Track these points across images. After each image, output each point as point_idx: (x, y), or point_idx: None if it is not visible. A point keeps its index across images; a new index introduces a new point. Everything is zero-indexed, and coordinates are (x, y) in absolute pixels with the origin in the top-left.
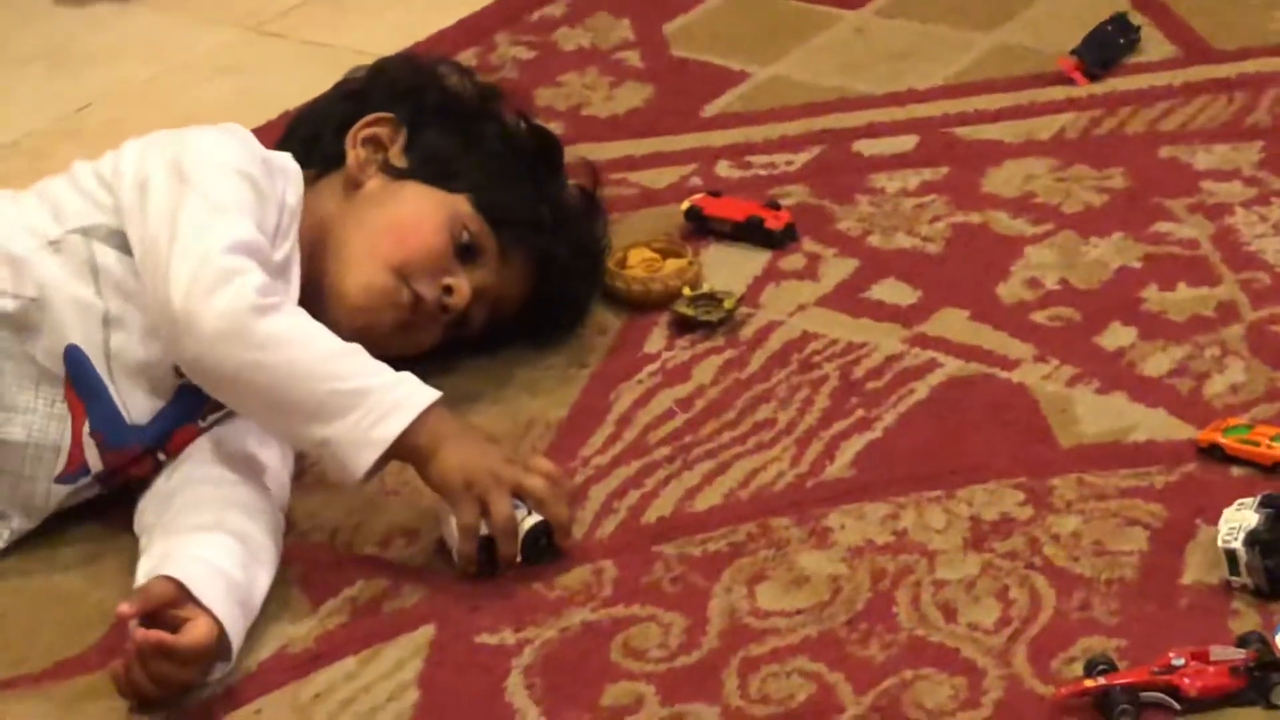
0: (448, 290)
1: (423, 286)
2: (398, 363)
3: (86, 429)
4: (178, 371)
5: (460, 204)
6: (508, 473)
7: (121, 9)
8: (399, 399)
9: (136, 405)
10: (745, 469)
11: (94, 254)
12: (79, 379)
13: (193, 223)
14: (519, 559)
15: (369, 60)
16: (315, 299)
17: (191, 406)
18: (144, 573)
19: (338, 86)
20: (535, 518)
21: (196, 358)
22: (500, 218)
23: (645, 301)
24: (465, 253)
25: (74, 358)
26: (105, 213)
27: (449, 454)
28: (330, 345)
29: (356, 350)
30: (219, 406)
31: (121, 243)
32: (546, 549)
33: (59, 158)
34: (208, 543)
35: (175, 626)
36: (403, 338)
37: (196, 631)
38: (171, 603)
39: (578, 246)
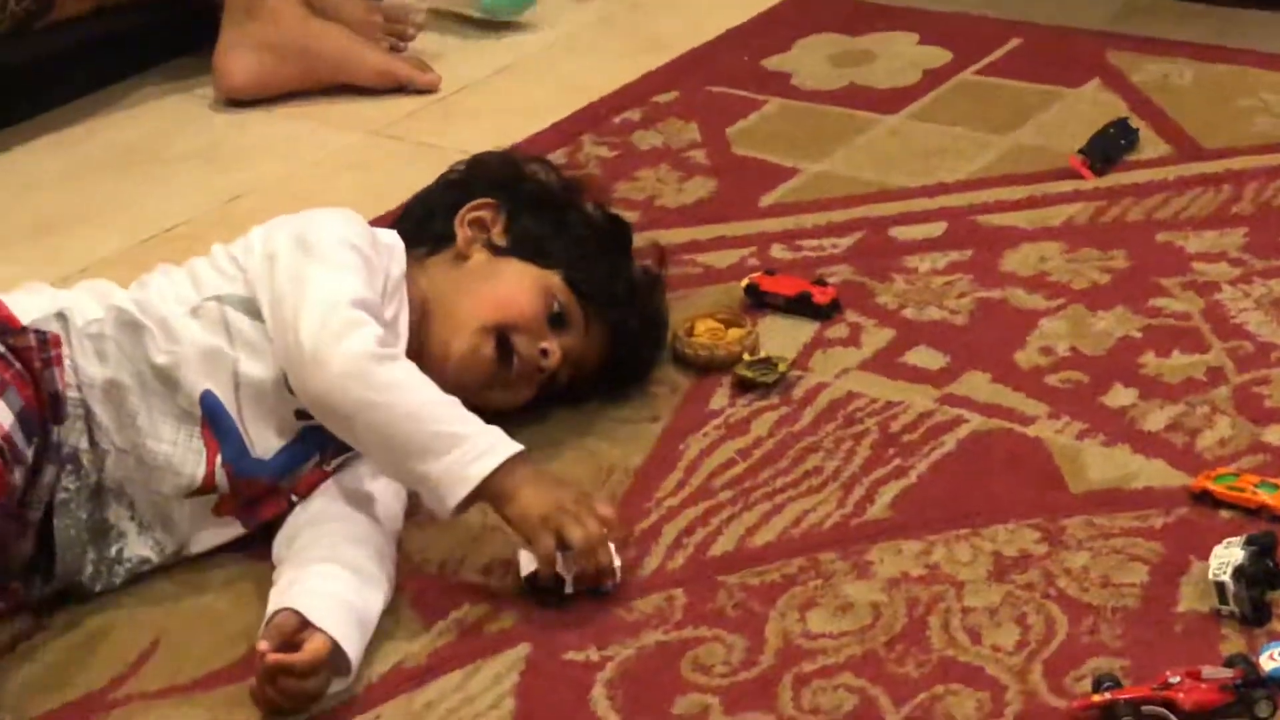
0: (544, 352)
1: (522, 347)
2: (496, 416)
3: (219, 460)
4: (298, 415)
5: (552, 279)
6: (582, 506)
7: (267, 115)
8: (491, 445)
9: (263, 443)
10: (797, 510)
11: (226, 317)
12: (213, 420)
13: (319, 281)
14: (570, 589)
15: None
16: (419, 358)
17: (311, 447)
18: (273, 599)
19: (442, 177)
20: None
21: (322, 394)
22: (586, 291)
23: (710, 365)
24: (556, 321)
25: (209, 402)
26: (235, 284)
27: (527, 495)
28: (435, 394)
29: (455, 402)
30: (341, 450)
31: (250, 309)
32: (551, 592)
33: (210, 241)
34: (324, 573)
35: (298, 648)
36: (501, 393)
37: (310, 647)
38: (295, 630)
39: (646, 318)
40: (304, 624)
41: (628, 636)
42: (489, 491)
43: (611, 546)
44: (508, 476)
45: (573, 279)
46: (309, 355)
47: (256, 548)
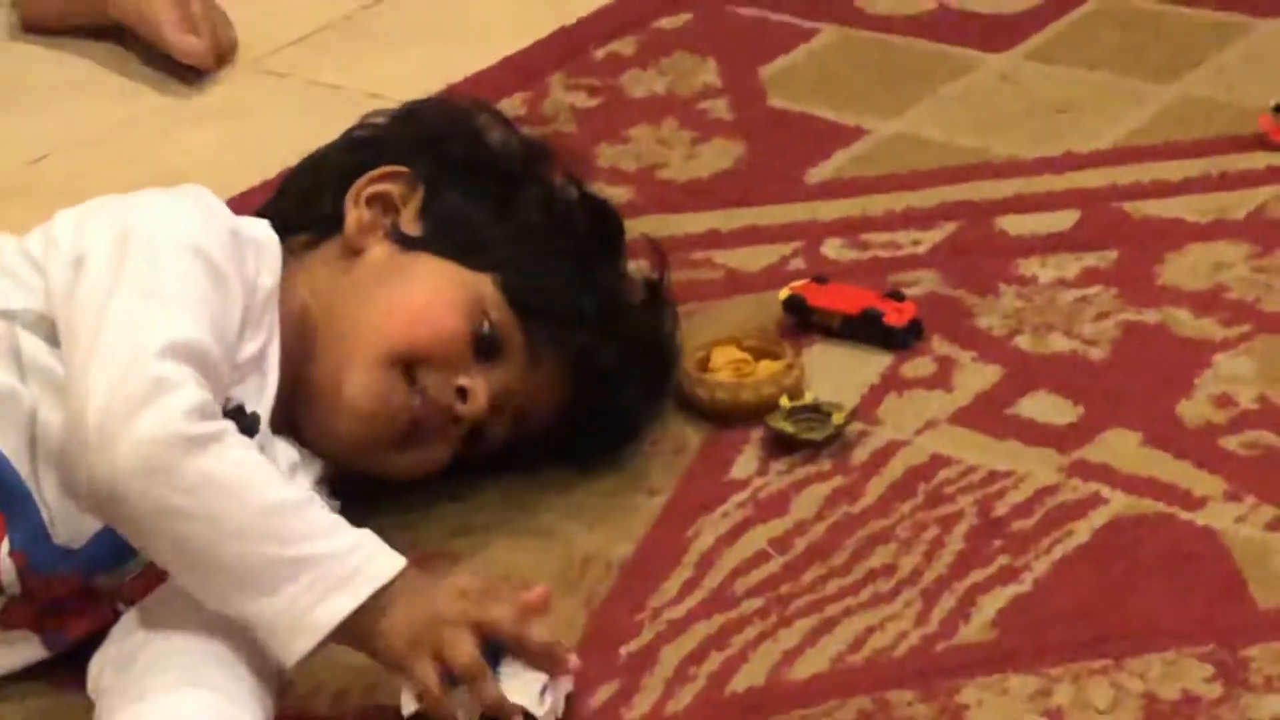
0: (461, 392)
1: (432, 385)
2: (405, 486)
3: (5, 548)
4: None
5: (483, 285)
6: (458, 608)
7: (91, 44)
8: (353, 569)
9: (69, 525)
10: (857, 628)
11: (18, 341)
12: None
13: (124, 315)
14: None
15: (388, 106)
16: (303, 399)
17: None
18: None
19: (349, 133)
20: (512, 698)
21: (109, 496)
22: (531, 305)
23: (733, 413)
24: (484, 347)
25: None
26: (34, 296)
27: (394, 619)
28: (275, 495)
29: (307, 503)
30: None
31: (50, 333)
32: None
33: (7, 221)
34: (183, 707)
35: None
36: (406, 455)
37: None
38: None
39: (630, 348)
40: None
41: None
42: (348, 635)
43: (539, 675)
44: (375, 610)
45: (512, 286)
46: (93, 435)
47: (62, 672)
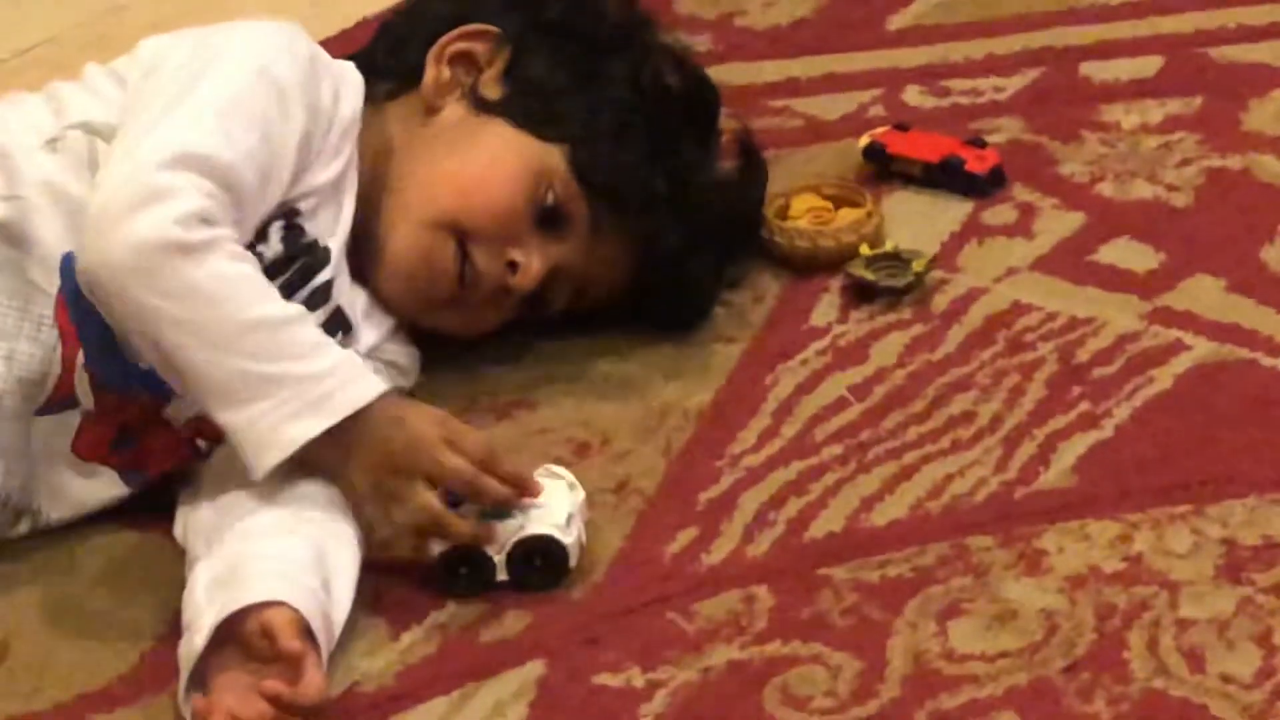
0: (511, 265)
1: (481, 256)
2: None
3: (81, 360)
4: None
5: (552, 157)
6: (411, 460)
7: None
8: (324, 393)
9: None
10: (937, 474)
11: (97, 153)
12: (74, 297)
13: (151, 120)
14: (503, 577)
15: None
16: (365, 249)
17: None
18: (206, 583)
19: None
20: (531, 528)
21: (90, 284)
22: (598, 184)
23: (812, 262)
24: (547, 219)
25: (70, 269)
26: (113, 110)
27: (360, 458)
28: (257, 311)
29: (291, 319)
30: None
31: None
32: (542, 570)
33: (83, 67)
34: (289, 554)
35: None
36: (457, 314)
37: (314, 679)
38: (297, 634)
39: (701, 231)
40: (303, 628)
41: (686, 653)
42: (319, 458)
43: (563, 504)
44: (346, 436)
45: (582, 161)
46: (89, 226)
47: (146, 517)
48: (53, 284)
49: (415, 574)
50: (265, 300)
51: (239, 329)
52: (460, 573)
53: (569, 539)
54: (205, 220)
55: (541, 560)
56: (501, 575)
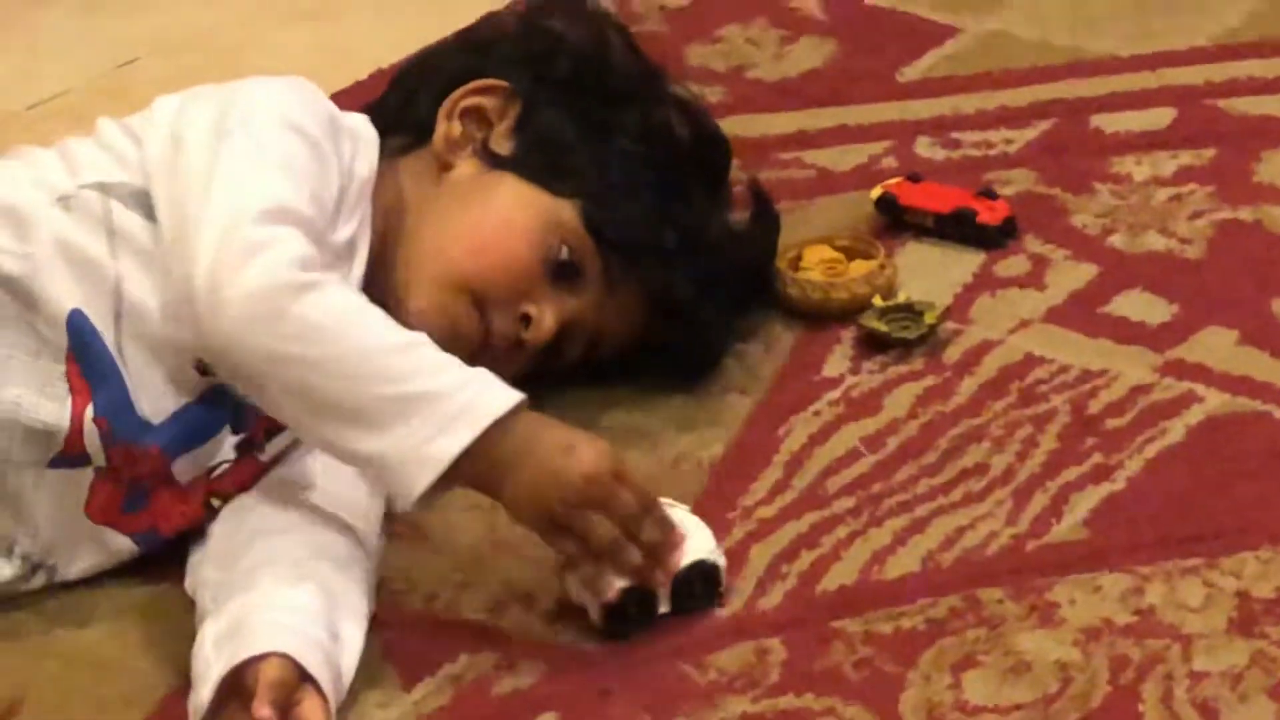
0: (524, 319)
1: (497, 314)
2: None
3: (90, 413)
4: (202, 367)
5: (564, 211)
6: (584, 494)
7: None
8: (464, 405)
9: (151, 399)
10: (948, 526)
11: (111, 213)
12: (83, 353)
13: (230, 179)
14: (666, 609)
15: (487, 8)
16: (384, 296)
17: (220, 415)
18: (214, 637)
19: (466, 31)
20: (690, 556)
21: (222, 349)
22: (610, 237)
23: (824, 312)
24: (560, 273)
25: (78, 326)
26: (129, 170)
27: (520, 480)
28: (384, 337)
29: (416, 343)
30: (275, 428)
31: (145, 206)
32: (702, 595)
33: (95, 120)
34: (295, 603)
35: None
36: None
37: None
38: (294, 685)
39: (712, 282)
40: (301, 676)
41: (700, 705)
42: (471, 474)
43: (696, 519)
44: (496, 449)
45: (594, 215)
46: (203, 292)
47: (158, 569)
48: (62, 339)
49: (427, 625)
50: (387, 326)
51: (370, 355)
52: (630, 611)
53: (721, 561)
54: (309, 263)
55: (701, 585)
56: (664, 607)
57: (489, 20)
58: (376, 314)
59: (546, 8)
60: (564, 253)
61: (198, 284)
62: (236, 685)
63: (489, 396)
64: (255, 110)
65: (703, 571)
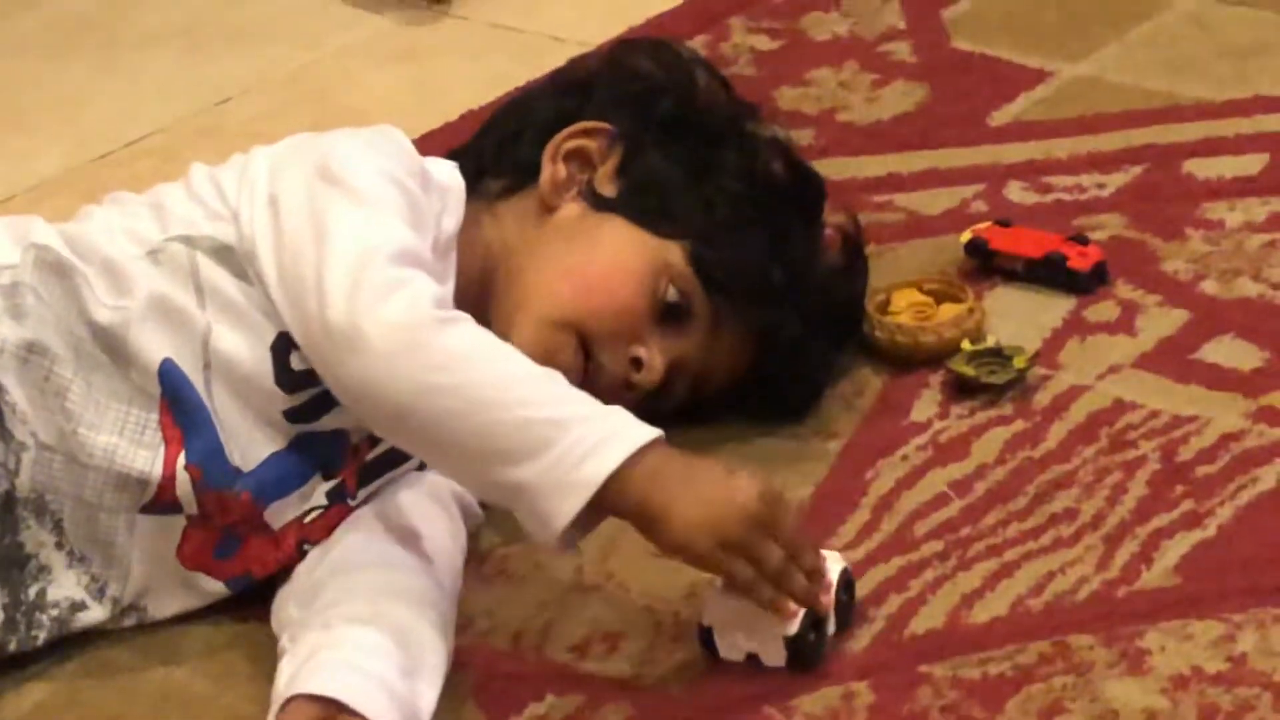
0: (635, 362)
1: (606, 355)
2: None
3: (182, 461)
4: (291, 416)
5: (671, 253)
6: (758, 515)
7: None
8: (609, 432)
9: (242, 445)
10: (1038, 572)
11: (198, 266)
12: (176, 402)
13: (346, 226)
14: (832, 629)
15: (569, 49)
16: None
17: (308, 462)
18: (287, 675)
19: (556, 75)
20: (833, 572)
21: (365, 383)
22: (718, 279)
23: (913, 356)
24: (668, 315)
25: (170, 375)
26: (216, 223)
27: (688, 504)
28: (522, 367)
29: (553, 376)
30: (367, 476)
31: (230, 262)
32: (849, 603)
33: (190, 160)
34: (364, 643)
35: None
36: None
37: None
38: None
39: (816, 319)
40: (337, 711)
41: None
42: (620, 503)
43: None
44: (643, 478)
45: (701, 257)
46: (343, 329)
47: (245, 607)
48: (154, 388)
49: (513, 665)
50: (522, 358)
51: (512, 382)
52: (811, 638)
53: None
54: (443, 303)
55: (846, 594)
56: (832, 628)
57: (579, 63)
58: (510, 347)
59: (634, 50)
60: (672, 294)
61: (334, 321)
62: None
63: (633, 427)
64: (353, 161)
65: (846, 581)
